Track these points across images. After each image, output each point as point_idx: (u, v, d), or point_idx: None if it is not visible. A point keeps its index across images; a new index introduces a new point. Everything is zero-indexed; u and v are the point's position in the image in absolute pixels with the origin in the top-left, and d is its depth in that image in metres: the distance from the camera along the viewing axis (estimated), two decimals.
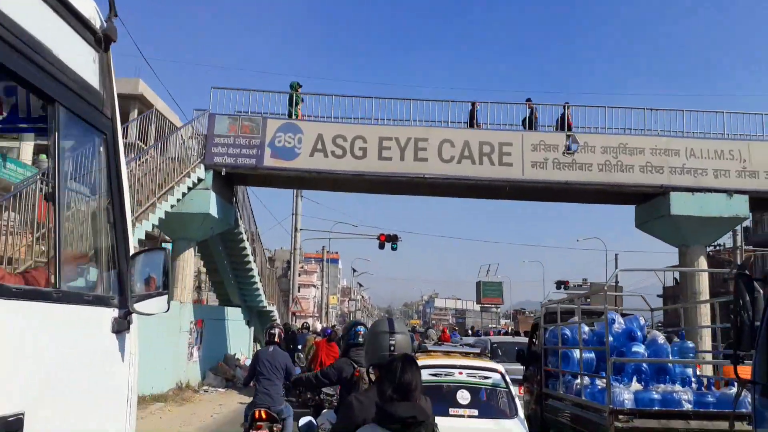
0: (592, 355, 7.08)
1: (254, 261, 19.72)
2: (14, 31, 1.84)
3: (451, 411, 5.87)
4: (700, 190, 15.42)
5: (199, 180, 15.10)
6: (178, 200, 14.28)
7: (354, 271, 73.10)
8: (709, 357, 9.41)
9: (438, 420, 2.90)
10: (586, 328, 7.37)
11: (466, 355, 6.72)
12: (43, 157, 11.68)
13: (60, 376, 2.05)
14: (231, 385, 16.69)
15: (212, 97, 15.79)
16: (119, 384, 2.53)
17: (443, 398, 6.17)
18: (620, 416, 5.67)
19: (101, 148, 2.53)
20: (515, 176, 15.59)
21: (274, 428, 7.00)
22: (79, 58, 2.34)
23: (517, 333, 22.87)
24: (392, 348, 3.28)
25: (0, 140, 17.53)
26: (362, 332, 5.50)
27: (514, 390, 6.20)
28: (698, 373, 7.40)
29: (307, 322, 26.06)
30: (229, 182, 16.48)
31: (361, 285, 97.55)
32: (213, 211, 15.27)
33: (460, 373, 6.11)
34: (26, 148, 19.29)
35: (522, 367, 9.92)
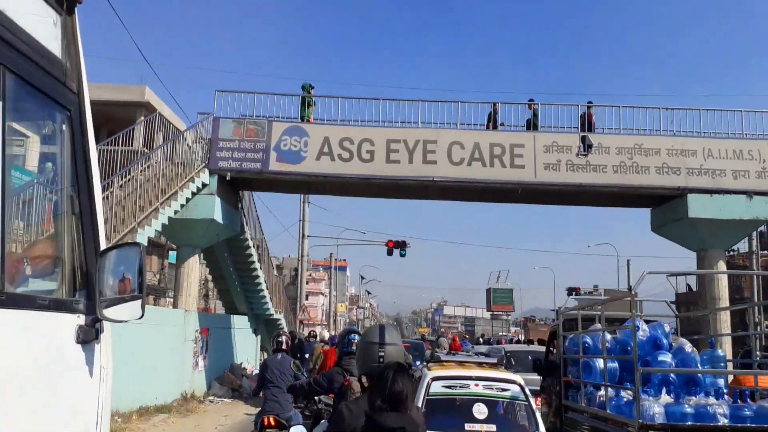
0: (615, 364, 6.64)
1: (261, 268, 19.37)
2: None
3: (467, 426, 5.46)
4: (718, 191, 14.93)
5: (204, 185, 14.78)
6: (182, 206, 13.97)
7: (362, 278, 72.75)
8: (729, 366, 8.92)
9: None
10: (609, 336, 6.93)
11: (481, 365, 6.31)
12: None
13: (5, 397, 1.68)
14: (237, 395, 16.33)
15: (216, 100, 15.50)
16: (86, 403, 2.14)
17: (458, 412, 5.76)
18: (650, 431, 5.24)
19: (64, 127, 2.14)
20: (527, 179, 15.17)
21: None
22: (34, 18, 1.96)
23: (530, 341, 22.34)
24: (382, 358, 3.25)
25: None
26: (355, 340, 5.40)
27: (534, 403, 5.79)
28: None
29: (314, 330, 25.65)
30: (234, 187, 16.16)
31: (369, 293, 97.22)
32: (218, 216, 14.94)
33: (476, 384, 5.70)
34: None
35: (538, 378, 9.48)
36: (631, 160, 15.22)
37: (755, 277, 29.94)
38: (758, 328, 27.78)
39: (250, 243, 18.18)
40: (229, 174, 15.11)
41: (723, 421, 5.27)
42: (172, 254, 28.32)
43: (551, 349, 9.42)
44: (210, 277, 24.44)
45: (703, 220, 14.87)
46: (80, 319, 2.08)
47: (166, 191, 13.27)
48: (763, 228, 33.74)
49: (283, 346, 7.98)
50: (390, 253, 27.79)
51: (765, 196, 14.93)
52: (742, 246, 31.70)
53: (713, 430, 5.17)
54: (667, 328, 7.01)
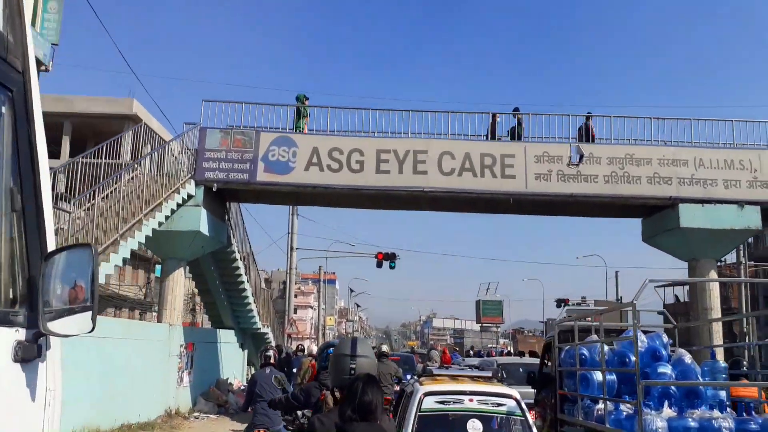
0: (613, 377, 6.41)
1: (248, 281, 19.03)
2: None
3: None
4: (710, 201, 14.85)
5: (189, 196, 14.49)
6: (167, 217, 13.67)
7: (351, 291, 72.30)
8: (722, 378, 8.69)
9: None
10: (606, 348, 6.71)
11: (475, 379, 6.07)
12: None
13: None
14: (223, 411, 15.93)
15: (203, 110, 15.25)
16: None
17: (452, 429, 5.51)
18: None
19: (4, 109, 1.87)
20: (518, 189, 15.01)
21: None
22: None
23: (521, 353, 22.11)
24: (353, 370, 3.34)
25: None
26: None
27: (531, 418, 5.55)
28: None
29: (302, 344, 25.27)
30: (220, 199, 15.87)
31: (358, 305, 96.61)
32: (204, 228, 14.64)
33: (471, 400, 5.46)
34: None
35: (532, 391, 9.24)
36: (622, 170, 15.13)
37: (743, 287, 30.01)
38: (747, 338, 27.82)
39: (237, 255, 17.86)
40: (215, 185, 14.83)
41: None
42: (159, 268, 27.85)
43: (545, 361, 9.20)
44: (196, 291, 24.01)
45: (694, 229, 14.77)
46: (19, 334, 1.78)
47: (150, 203, 12.98)
48: (750, 239, 33.92)
49: (271, 360, 8.04)
50: (380, 265, 27.58)
51: (756, 206, 14.86)
52: (729, 257, 31.79)
53: None
54: (665, 339, 6.81)
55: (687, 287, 42.94)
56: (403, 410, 5.85)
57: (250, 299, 19.49)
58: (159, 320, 15.26)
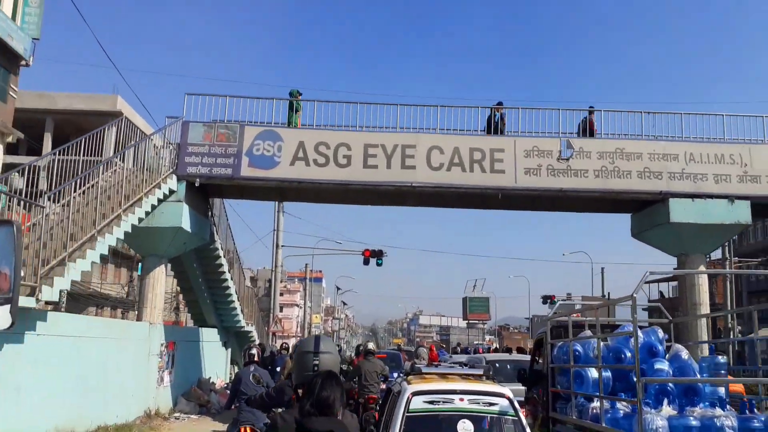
0: (608, 374, 6.17)
1: (231, 279, 18.65)
2: None
3: None
4: (700, 196, 14.71)
5: (171, 191, 14.09)
6: (147, 213, 13.27)
7: (338, 289, 71.98)
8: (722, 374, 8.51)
9: None
10: (597, 343, 6.47)
11: (466, 377, 5.79)
12: (15, 175, 10.59)
13: None
14: (205, 411, 15.57)
15: (186, 104, 14.82)
16: None
17: (441, 430, 5.24)
18: None
19: None
20: (508, 184, 14.78)
21: None
22: None
23: (508, 350, 21.93)
24: (317, 367, 3.35)
25: None
26: None
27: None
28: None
29: (286, 343, 24.90)
30: (203, 194, 15.48)
31: (345, 303, 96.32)
32: (186, 225, 14.25)
33: (461, 399, 5.19)
34: None
35: (522, 388, 9.00)
36: (612, 165, 14.95)
37: (728, 283, 30.07)
38: (731, 334, 27.87)
39: (221, 253, 17.47)
40: (198, 180, 14.45)
41: None
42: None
43: (536, 358, 8.96)
44: (179, 289, 23.58)
45: (684, 224, 14.62)
46: None
47: (130, 198, 12.57)
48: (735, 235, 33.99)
49: (255, 359, 8.11)
50: (366, 262, 27.35)
51: (746, 200, 14.74)
52: (715, 253, 31.88)
53: None
54: (660, 334, 6.58)
55: (675, 283, 43.15)
56: (390, 410, 5.57)
57: (234, 297, 19.11)
58: (139, 319, 14.85)
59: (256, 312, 24.67)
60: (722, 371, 5.75)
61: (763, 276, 44.17)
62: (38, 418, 9.58)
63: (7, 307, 1.44)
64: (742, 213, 14.71)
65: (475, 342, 61.04)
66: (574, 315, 7.73)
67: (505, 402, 5.21)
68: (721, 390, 5.78)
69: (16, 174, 10.48)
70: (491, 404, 5.19)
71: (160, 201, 13.65)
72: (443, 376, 5.83)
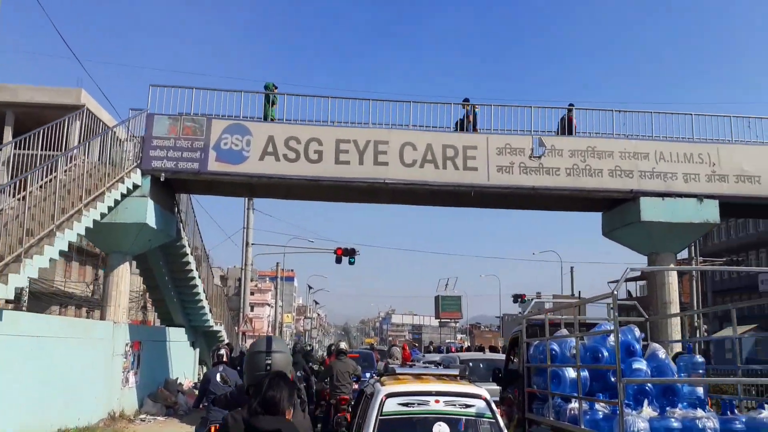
0: (585, 374, 6.03)
1: (199, 277, 18.18)
2: None
3: None
4: (670, 195, 14.81)
5: (135, 186, 13.63)
6: (110, 208, 12.79)
7: (310, 288, 71.46)
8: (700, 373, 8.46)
9: None
10: (575, 343, 6.34)
11: (441, 378, 5.60)
12: None
13: None
14: (172, 412, 15.15)
15: (150, 95, 14.34)
16: None
17: None
18: None
19: None
20: (480, 181, 14.67)
21: None
22: None
23: (480, 348, 21.89)
24: (269, 367, 3.37)
25: None
26: None
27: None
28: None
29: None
30: (169, 189, 15.01)
31: (317, 303, 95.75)
32: (150, 221, 13.79)
33: (437, 401, 4.99)
34: None
35: (497, 388, 8.85)
36: (584, 163, 14.96)
37: (694, 283, 30.57)
38: (698, 333, 28.35)
39: (188, 250, 17.01)
40: (163, 175, 13.99)
41: None
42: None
43: (512, 357, 8.83)
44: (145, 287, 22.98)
45: (655, 223, 14.71)
46: None
47: (92, 192, 12.09)
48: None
49: (224, 359, 8.12)
50: (339, 261, 27.06)
51: (714, 200, 14.89)
52: (680, 253, 32.40)
53: None
54: (637, 333, 6.48)
55: (643, 282, 43.78)
56: (363, 413, 5.34)
57: (202, 296, 18.65)
58: (102, 318, 14.34)
59: (226, 311, 24.19)
60: (700, 371, 5.66)
61: (728, 275, 45.20)
62: None
63: None
64: (711, 212, 14.86)
65: (447, 341, 61.22)
66: (551, 313, 7.60)
67: (482, 403, 5.03)
68: (700, 390, 5.69)
69: None
70: (468, 406, 5.01)
71: (123, 196, 13.19)
72: (418, 376, 5.63)
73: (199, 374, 19.78)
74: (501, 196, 15.50)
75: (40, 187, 11.30)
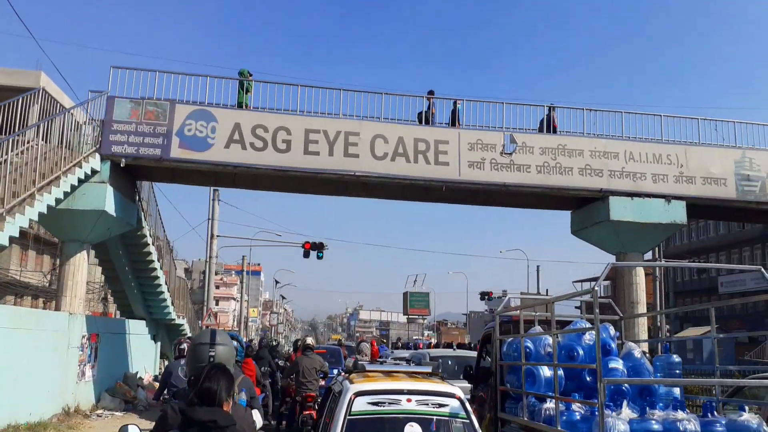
0: (561, 372, 5.84)
1: (161, 268, 17.61)
2: None
3: None
4: (639, 194, 14.87)
5: (94, 171, 13.04)
6: (67, 194, 12.21)
7: (276, 282, 70.68)
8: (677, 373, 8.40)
9: None
10: (550, 340, 6.16)
11: (413, 375, 5.34)
12: None
13: None
14: (131, 407, 14.64)
15: (111, 77, 13.74)
16: None
17: None
18: None
19: None
20: (451, 176, 14.49)
21: None
22: None
23: (449, 345, 21.77)
24: (212, 358, 3.39)
25: None
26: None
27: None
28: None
29: None
30: (130, 176, 14.44)
31: (284, 297, 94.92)
32: (110, 208, 13.22)
33: (409, 400, 4.73)
34: None
35: (468, 386, 8.66)
36: (554, 161, 14.90)
37: (657, 283, 31.06)
38: (660, 333, 28.81)
39: (149, 240, 16.43)
40: (123, 160, 13.44)
41: None
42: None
43: (483, 354, 8.64)
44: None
45: (623, 222, 14.76)
46: None
47: (46, 176, 11.49)
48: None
49: (186, 353, 7.71)
50: (307, 255, 26.64)
51: (681, 201, 15.01)
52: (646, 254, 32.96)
53: None
54: (612, 331, 6.33)
55: (607, 282, 44.38)
56: (330, 412, 5.05)
57: (164, 287, 18.09)
58: (57, 308, 13.72)
59: (189, 304, 23.59)
60: (677, 371, 5.52)
61: (689, 277, 46.19)
62: None
63: None
64: (678, 213, 14.98)
65: (415, 337, 61.16)
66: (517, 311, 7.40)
67: (456, 402, 4.79)
68: (677, 391, 5.56)
69: None
70: (441, 405, 4.76)
71: (81, 181, 12.60)
72: (388, 374, 5.36)
73: (160, 368, 19.21)
74: (472, 192, 15.36)
75: None
